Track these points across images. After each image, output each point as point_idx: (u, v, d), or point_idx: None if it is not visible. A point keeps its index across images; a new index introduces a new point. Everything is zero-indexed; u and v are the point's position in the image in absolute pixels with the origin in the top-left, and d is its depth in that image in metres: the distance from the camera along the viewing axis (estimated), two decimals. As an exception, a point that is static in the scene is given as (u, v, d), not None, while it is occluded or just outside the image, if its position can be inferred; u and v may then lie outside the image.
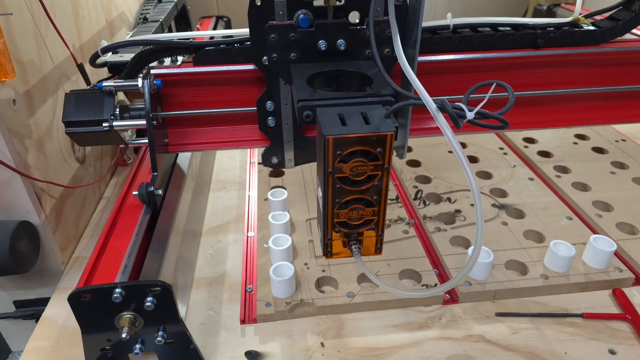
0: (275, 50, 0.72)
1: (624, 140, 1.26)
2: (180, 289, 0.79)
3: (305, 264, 0.85)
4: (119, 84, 0.75)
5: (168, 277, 0.73)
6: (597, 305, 0.79)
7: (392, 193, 1.05)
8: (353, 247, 0.64)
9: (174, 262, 0.78)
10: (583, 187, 1.07)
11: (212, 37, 0.88)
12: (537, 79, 0.87)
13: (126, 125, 0.76)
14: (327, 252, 0.65)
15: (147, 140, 0.76)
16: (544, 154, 1.20)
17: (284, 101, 0.78)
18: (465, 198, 1.03)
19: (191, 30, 1.57)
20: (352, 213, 0.61)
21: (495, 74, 0.85)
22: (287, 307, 0.77)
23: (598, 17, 0.90)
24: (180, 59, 0.83)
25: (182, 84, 0.80)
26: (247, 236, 0.97)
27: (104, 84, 0.75)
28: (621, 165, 1.15)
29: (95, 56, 0.84)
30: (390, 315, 0.78)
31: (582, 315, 0.77)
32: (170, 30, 1.36)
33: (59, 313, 0.81)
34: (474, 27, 0.84)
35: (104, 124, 0.74)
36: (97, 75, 0.91)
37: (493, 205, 1.01)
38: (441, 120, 0.55)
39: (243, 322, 0.78)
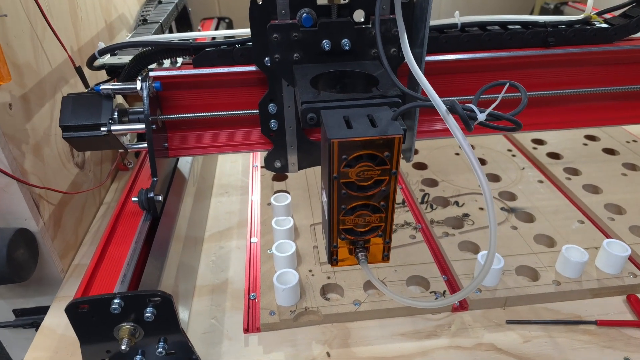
0: (278, 51, 0.70)
1: (635, 141, 1.24)
2: (182, 297, 0.78)
3: (310, 271, 0.84)
4: (116, 87, 0.74)
5: (169, 285, 0.71)
6: (611, 312, 0.78)
7: (399, 197, 1.04)
8: (359, 254, 0.63)
9: (175, 270, 0.76)
10: (594, 189, 1.05)
11: (214, 38, 0.86)
12: (548, 79, 0.85)
13: (125, 129, 0.74)
14: (333, 260, 0.64)
15: (146, 145, 0.75)
16: (554, 155, 1.18)
17: (287, 103, 0.77)
18: (473, 202, 1.01)
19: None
20: (358, 219, 0.60)
21: (504, 74, 0.83)
22: (291, 316, 0.75)
23: (607, 15, 0.88)
24: (180, 60, 0.81)
25: (182, 86, 0.78)
26: (250, 242, 0.95)
27: (102, 87, 0.74)
28: (633, 167, 1.13)
29: (93, 58, 0.83)
30: (397, 324, 0.77)
31: (595, 323, 0.75)
32: (170, 32, 1.34)
33: (58, 322, 0.79)
34: (482, 25, 0.82)
35: (102, 129, 0.73)
36: (96, 78, 0.89)
37: (502, 208, 0.99)
38: (451, 122, 0.53)
39: (246, 331, 0.76)
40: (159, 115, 0.78)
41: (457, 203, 1.01)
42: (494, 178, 1.10)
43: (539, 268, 0.83)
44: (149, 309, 0.60)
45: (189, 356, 0.66)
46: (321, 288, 0.80)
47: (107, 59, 0.87)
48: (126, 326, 0.62)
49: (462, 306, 0.79)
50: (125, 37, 1.24)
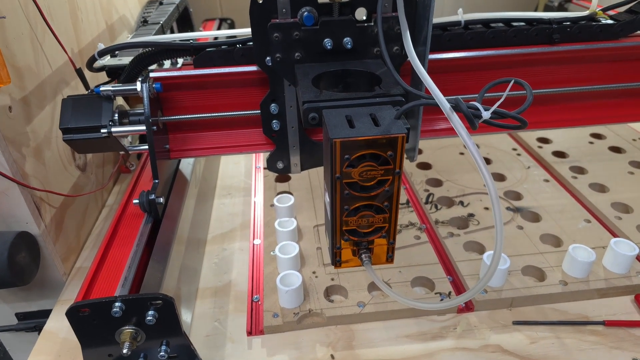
0: (279, 50, 0.70)
1: (641, 138, 1.22)
2: (184, 299, 0.77)
3: (314, 273, 0.83)
4: (116, 88, 0.74)
5: (171, 287, 0.71)
6: (618, 312, 0.77)
7: (403, 197, 1.03)
8: (363, 256, 0.62)
9: (177, 272, 0.76)
10: (601, 188, 1.04)
11: (216, 38, 0.85)
12: (553, 76, 0.84)
13: (125, 131, 0.74)
14: (336, 262, 0.63)
15: (147, 147, 0.74)
16: (559, 154, 1.17)
17: (289, 103, 0.76)
18: (478, 201, 0.99)
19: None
20: (362, 220, 0.59)
21: (509, 72, 0.82)
22: (295, 318, 0.75)
23: (611, 12, 0.87)
24: (180, 61, 0.80)
25: (182, 87, 0.78)
26: (253, 244, 0.94)
27: (102, 88, 0.73)
28: (639, 165, 1.11)
29: (92, 60, 0.82)
30: (402, 325, 0.76)
31: (603, 323, 0.74)
32: (172, 33, 1.34)
33: (60, 326, 0.79)
34: (486, 22, 0.81)
35: (102, 130, 0.72)
36: (97, 80, 0.89)
37: (508, 208, 0.98)
38: (456, 121, 0.52)
39: (250, 333, 0.76)
40: (160, 117, 0.78)
41: (462, 203, 1.00)
42: (499, 177, 1.09)
43: (545, 268, 0.82)
44: (150, 312, 0.60)
45: (192, 359, 0.66)
46: (325, 290, 0.79)
47: (107, 60, 0.87)
48: (128, 330, 0.61)
49: (468, 307, 0.78)
50: (126, 38, 1.23)
